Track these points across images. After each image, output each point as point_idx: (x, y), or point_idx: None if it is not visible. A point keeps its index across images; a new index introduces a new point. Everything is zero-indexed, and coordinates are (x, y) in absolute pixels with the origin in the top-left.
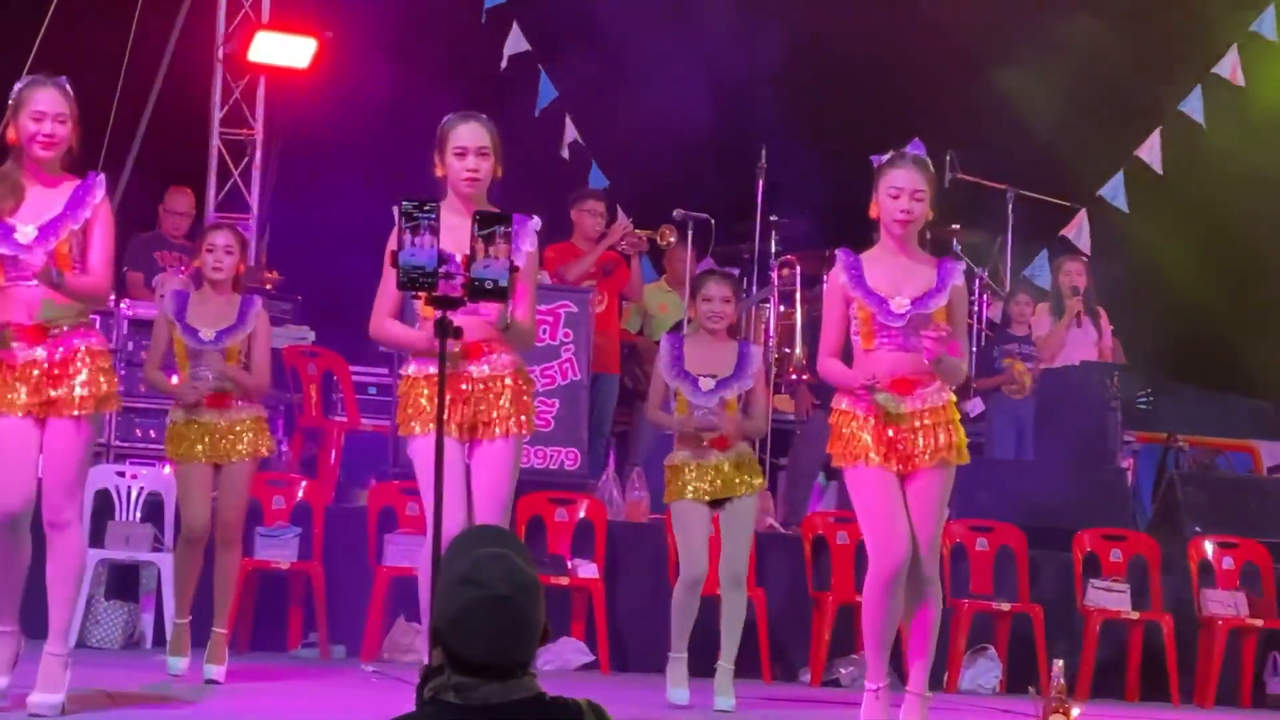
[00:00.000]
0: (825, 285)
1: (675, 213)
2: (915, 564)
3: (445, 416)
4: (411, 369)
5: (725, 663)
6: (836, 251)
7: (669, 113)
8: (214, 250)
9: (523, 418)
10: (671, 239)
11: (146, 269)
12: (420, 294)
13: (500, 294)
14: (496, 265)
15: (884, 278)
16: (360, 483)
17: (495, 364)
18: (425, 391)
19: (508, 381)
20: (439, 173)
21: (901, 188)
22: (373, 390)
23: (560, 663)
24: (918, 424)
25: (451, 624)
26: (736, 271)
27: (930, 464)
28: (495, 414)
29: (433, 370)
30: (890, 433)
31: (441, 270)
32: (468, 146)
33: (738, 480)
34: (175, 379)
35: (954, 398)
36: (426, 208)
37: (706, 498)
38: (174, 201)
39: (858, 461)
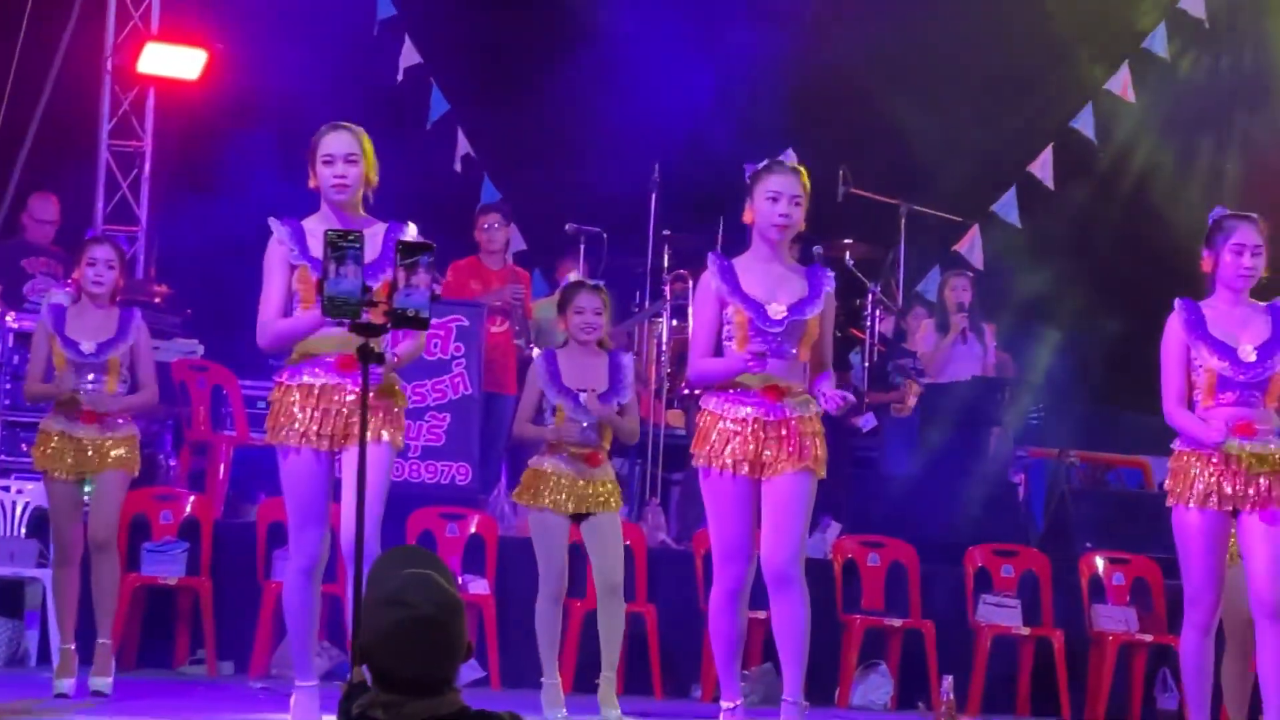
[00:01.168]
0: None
1: (567, 226)
2: (779, 570)
3: (317, 429)
4: (285, 376)
5: (608, 672)
6: (709, 255)
7: (562, 126)
8: (95, 264)
9: (394, 430)
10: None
11: (9, 278)
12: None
13: (422, 323)
14: (418, 294)
15: (759, 284)
16: (249, 498)
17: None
18: (296, 399)
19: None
20: (312, 183)
21: (780, 192)
22: (262, 404)
23: None
24: (784, 431)
25: (379, 643)
26: (602, 283)
27: (794, 470)
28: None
29: (307, 379)
30: (753, 443)
31: (365, 298)
32: (335, 154)
33: (599, 498)
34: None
35: (819, 410)
36: (350, 237)
37: (566, 510)
38: (39, 209)
39: (715, 465)
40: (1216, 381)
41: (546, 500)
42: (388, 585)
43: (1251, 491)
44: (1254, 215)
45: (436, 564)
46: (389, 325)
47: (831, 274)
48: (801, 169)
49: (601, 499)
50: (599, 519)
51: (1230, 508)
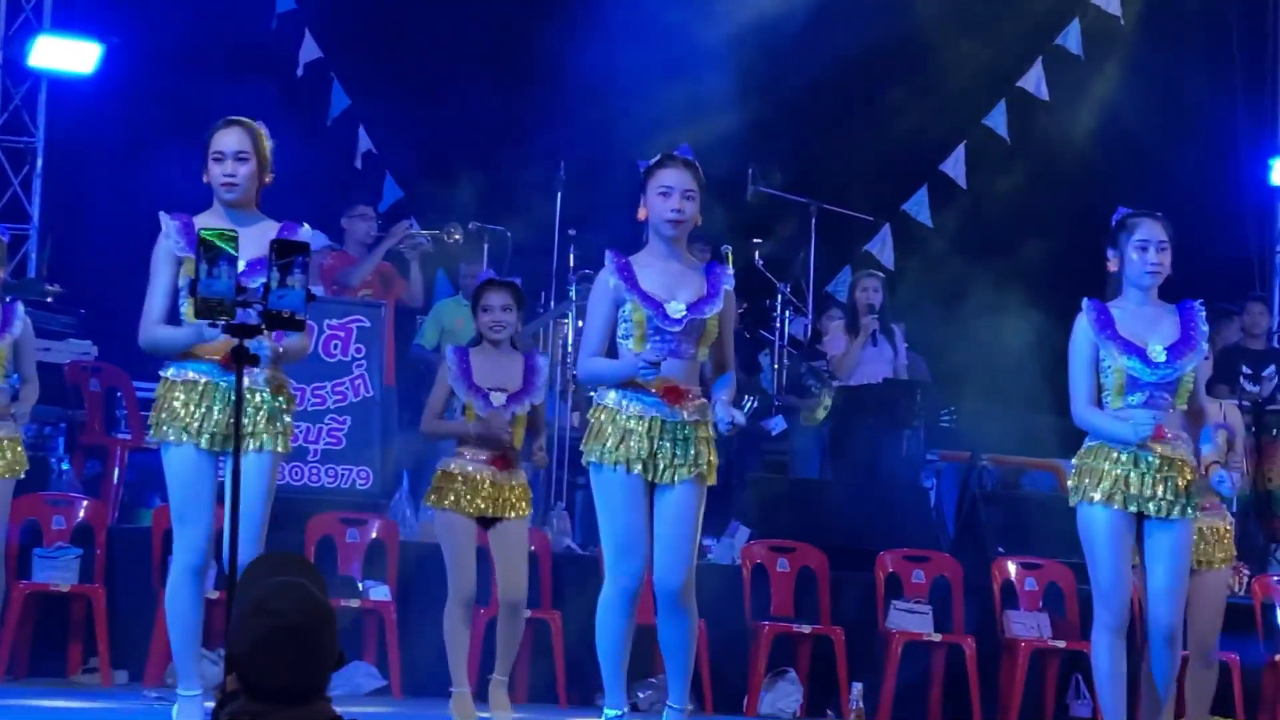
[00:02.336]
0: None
1: (471, 225)
2: (672, 595)
3: (199, 426)
4: (170, 372)
5: (499, 675)
6: (606, 252)
7: (465, 123)
8: None
9: (279, 435)
10: (458, 236)
11: None
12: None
13: (297, 325)
14: (294, 295)
15: (657, 282)
16: (144, 502)
17: (255, 378)
18: (180, 397)
19: (265, 396)
20: (205, 179)
21: (672, 186)
22: None
23: (350, 687)
24: (680, 435)
25: (247, 652)
26: (519, 281)
27: (687, 477)
28: (251, 427)
29: (192, 374)
30: (647, 443)
31: (240, 297)
32: (225, 152)
33: (509, 503)
34: None
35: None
36: (226, 237)
37: (474, 512)
38: None
39: (608, 461)
40: (1126, 382)
41: (454, 502)
42: (256, 593)
43: (1159, 493)
44: (1158, 213)
45: (308, 571)
46: (264, 326)
47: (730, 271)
48: (694, 163)
49: (511, 503)
50: (507, 527)
51: (1135, 509)
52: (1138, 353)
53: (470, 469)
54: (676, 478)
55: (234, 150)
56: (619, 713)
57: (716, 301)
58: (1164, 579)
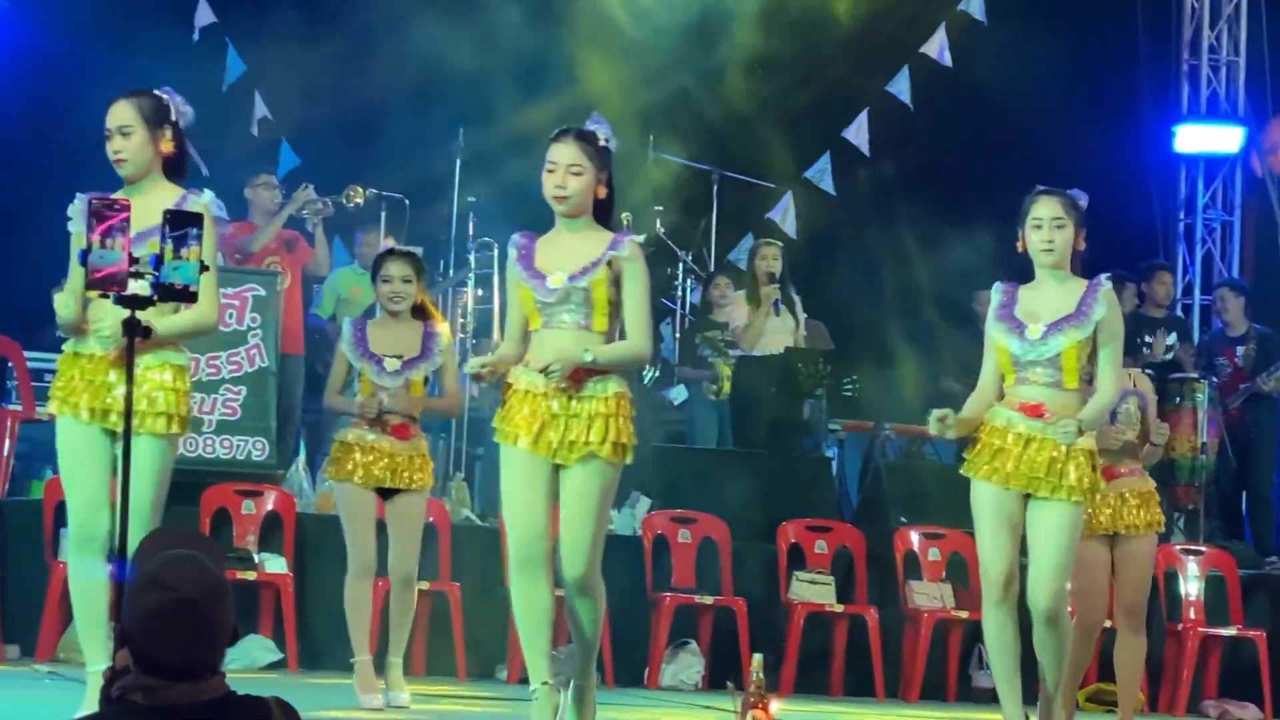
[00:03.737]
0: None
1: (369, 192)
2: (577, 583)
3: (80, 402)
4: (69, 345)
5: (394, 657)
6: (516, 235)
7: (363, 89)
8: None
9: (167, 412)
10: (359, 200)
11: None
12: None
13: (190, 296)
14: (187, 266)
15: (551, 256)
16: (36, 474)
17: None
18: (75, 373)
19: (152, 375)
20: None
21: (556, 163)
22: (49, 377)
23: (246, 661)
24: (570, 413)
25: (139, 626)
26: (420, 251)
27: (581, 457)
28: (142, 405)
29: (89, 347)
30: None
31: (132, 269)
32: (110, 129)
33: (408, 473)
34: None
35: (622, 391)
36: (116, 206)
37: (374, 484)
38: None
39: (508, 440)
40: (1009, 361)
41: (351, 473)
42: (148, 567)
43: (1040, 474)
44: (1057, 190)
45: (203, 543)
46: (155, 298)
47: (628, 237)
48: (589, 135)
49: (408, 474)
50: (403, 501)
51: (1015, 487)
52: (1018, 331)
53: (369, 438)
54: (572, 458)
55: (118, 125)
56: (534, 686)
57: (597, 268)
58: (1039, 559)
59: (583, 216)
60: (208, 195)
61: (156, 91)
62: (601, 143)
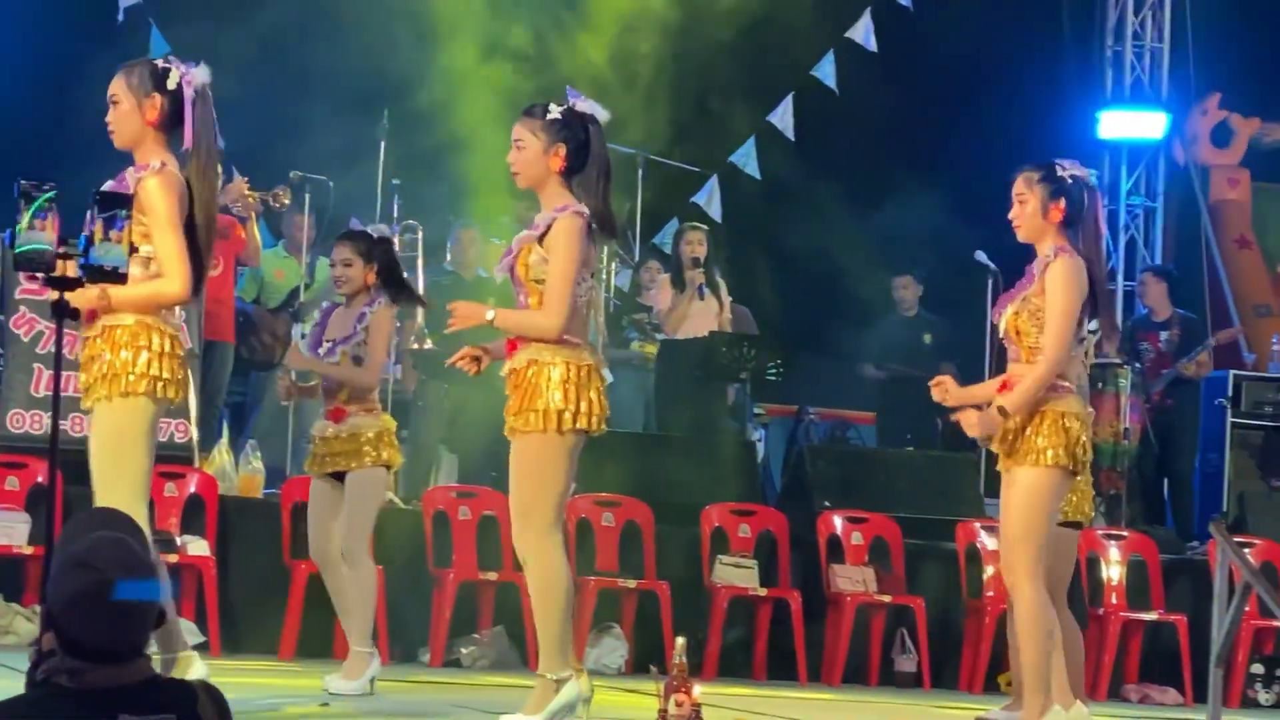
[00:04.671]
0: None
1: (292, 175)
2: (516, 547)
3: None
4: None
5: (359, 646)
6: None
7: (284, 69)
8: None
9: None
10: (286, 201)
11: None
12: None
13: (120, 279)
14: (117, 249)
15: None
16: None
17: (99, 325)
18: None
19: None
20: None
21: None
22: None
23: None
24: (515, 383)
25: (64, 608)
26: (373, 232)
27: (513, 429)
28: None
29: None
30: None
31: (61, 250)
32: (108, 99)
33: (343, 455)
34: None
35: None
36: (45, 187)
37: (323, 471)
38: None
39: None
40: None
41: (312, 465)
42: (75, 548)
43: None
44: (1029, 164)
45: (129, 526)
46: (84, 280)
47: (566, 210)
48: (536, 110)
49: (343, 456)
50: (347, 481)
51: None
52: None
53: (316, 427)
54: (513, 428)
55: (109, 96)
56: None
57: (523, 246)
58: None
59: (543, 190)
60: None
61: (158, 60)
62: (553, 115)
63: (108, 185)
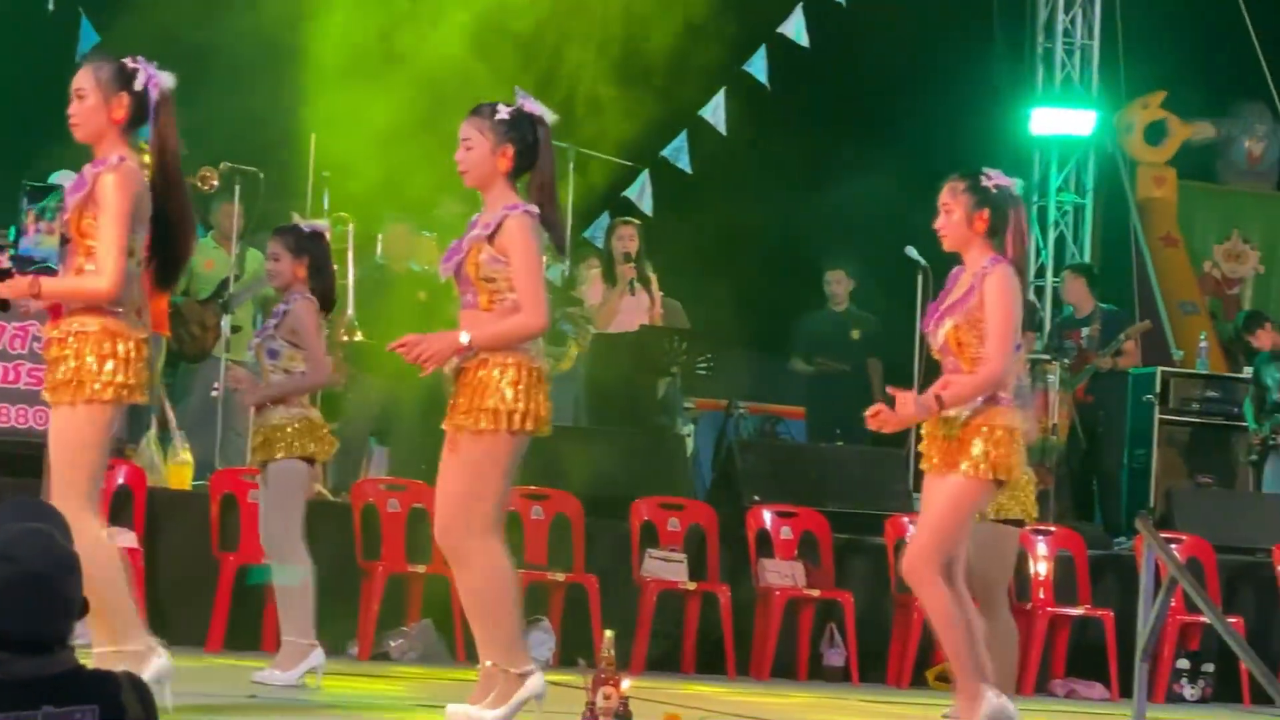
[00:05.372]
0: None
1: (222, 165)
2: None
3: None
4: None
5: (289, 635)
6: None
7: (213, 57)
8: None
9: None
10: (214, 182)
11: None
12: None
13: (50, 271)
14: (49, 241)
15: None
16: None
17: (65, 326)
18: None
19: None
20: None
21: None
22: None
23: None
24: (463, 381)
25: None
26: (307, 228)
27: (463, 424)
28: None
29: None
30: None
31: None
32: (71, 91)
33: (262, 447)
34: None
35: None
36: None
37: (251, 461)
38: None
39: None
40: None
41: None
42: None
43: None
44: (955, 175)
45: (53, 517)
46: (15, 272)
47: (516, 209)
48: (483, 109)
49: (265, 448)
50: (267, 472)
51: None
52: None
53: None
54: (456, 428)
55: (75, 88)
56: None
57: (460, 246)
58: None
59: (490, 190)
60: (87, 171)
61: (127, 59)
62: (501, 115)
63: (63, 180)
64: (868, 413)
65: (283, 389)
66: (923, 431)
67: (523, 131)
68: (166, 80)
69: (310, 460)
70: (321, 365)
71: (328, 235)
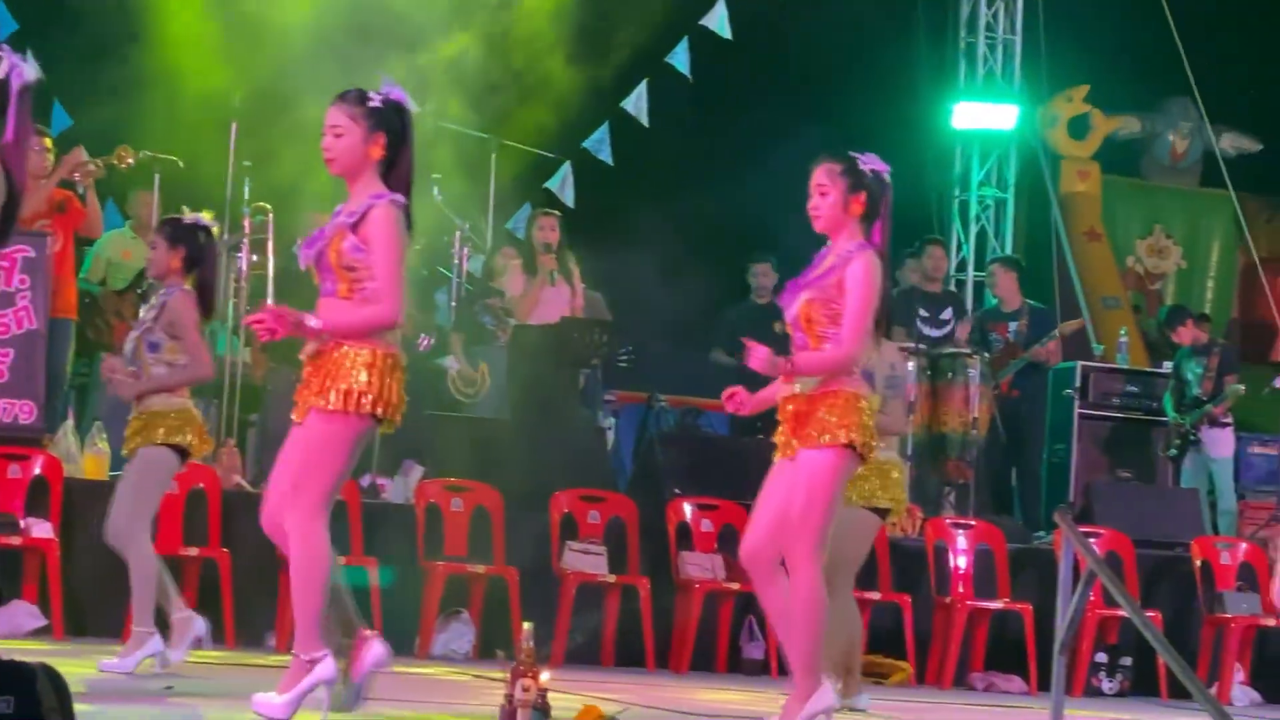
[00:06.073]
0: None
1: (142, 153)
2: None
3: None
4: None
5: (138, 625)
6: None
7: (141, 48)
8: None
9: None
10: (129, 160)
11: None
12: None
13: None
14: None
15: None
16: None
17: None
18: None
19: None
20: None
21: (326, 125)
22: None
23: (11, 627)
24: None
25: None
26: (189, 220)
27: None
28: None
29: None
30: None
31: None
32: None
33: (148, 430)
34: None
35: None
36: None
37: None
38: None
39: None
40: None
41: None
42: None
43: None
44: (829, 155)
45: None
46: None
47: (383, 198)
48: (352, 96)
49: (142, 433)
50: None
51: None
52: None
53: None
54: (304, 409)
55: None
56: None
57: (323, 234)
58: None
59: (358, 180)
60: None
61: None
62: (373, 103)
63: None
64: (724, 395)
65: (161, 382)
66: (777, 418)
67: (393, 121)
68: (31, 71)
69: (183, 453)
70: (201, 357)
71: (212, 230)
